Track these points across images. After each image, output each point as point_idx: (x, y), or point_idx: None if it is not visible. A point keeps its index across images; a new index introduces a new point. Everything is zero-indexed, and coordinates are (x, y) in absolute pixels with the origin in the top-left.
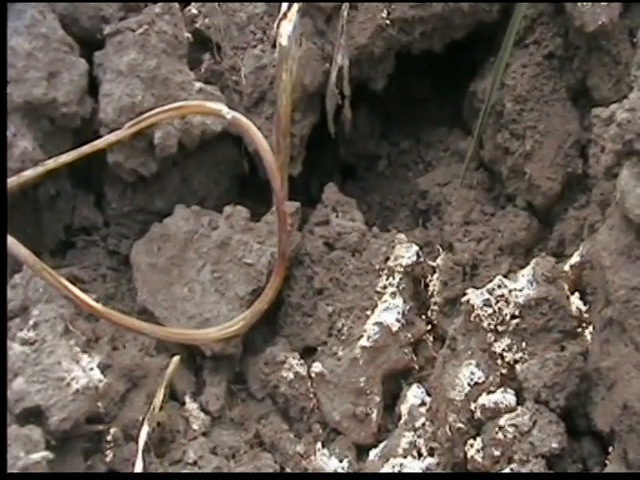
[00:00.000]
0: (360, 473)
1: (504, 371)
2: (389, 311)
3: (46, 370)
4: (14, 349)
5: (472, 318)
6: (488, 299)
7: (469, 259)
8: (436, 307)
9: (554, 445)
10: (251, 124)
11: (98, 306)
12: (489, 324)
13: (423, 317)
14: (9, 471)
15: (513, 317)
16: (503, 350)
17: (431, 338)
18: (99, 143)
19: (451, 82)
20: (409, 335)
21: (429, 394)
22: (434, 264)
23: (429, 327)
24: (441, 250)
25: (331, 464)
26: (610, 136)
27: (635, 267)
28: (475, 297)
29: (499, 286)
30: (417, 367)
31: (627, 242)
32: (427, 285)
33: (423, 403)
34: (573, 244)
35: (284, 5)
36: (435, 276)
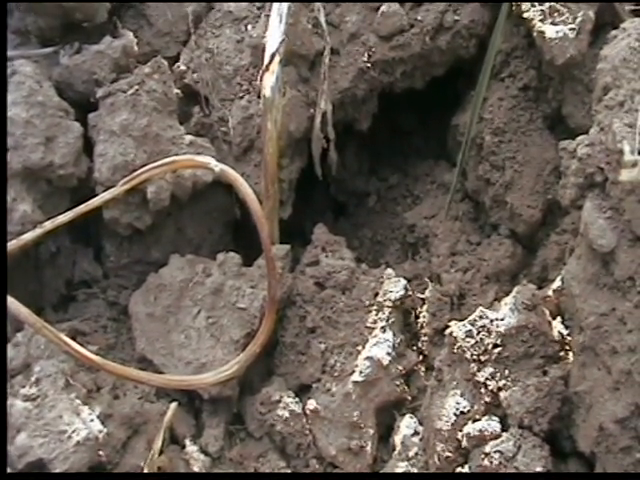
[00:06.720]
0: (360, 473)
1: (488, 399)
2: (379, 345)
3: (48, 424)
4: (17, 406)
5: (455, 349)
6: (470, 330)
7: (456, 289)
8: (426, 338)
9: (538, 469)
10: (238, 175)
11: (97, 359)
12: (472, 354)
13: (414, 348)
14: None
15: (495, 346)
16: (486, 379)
17: (423, 368)
18: (95, 201)
19: (436, 115)
20: (400, 367)
21: (422, 424)
22: (423, 296)
23: (420, 358)
24: (429, 282)
25: None
26: (572, 170)
27: (603, 294)
28: (457, 329)
29: (480, 317)
30: (410, 398)
31: (594, 271)
32: (417, 317)
33: (416, 433)
34: (556, 268)
35: (266, 58)
36: (424, 307)
